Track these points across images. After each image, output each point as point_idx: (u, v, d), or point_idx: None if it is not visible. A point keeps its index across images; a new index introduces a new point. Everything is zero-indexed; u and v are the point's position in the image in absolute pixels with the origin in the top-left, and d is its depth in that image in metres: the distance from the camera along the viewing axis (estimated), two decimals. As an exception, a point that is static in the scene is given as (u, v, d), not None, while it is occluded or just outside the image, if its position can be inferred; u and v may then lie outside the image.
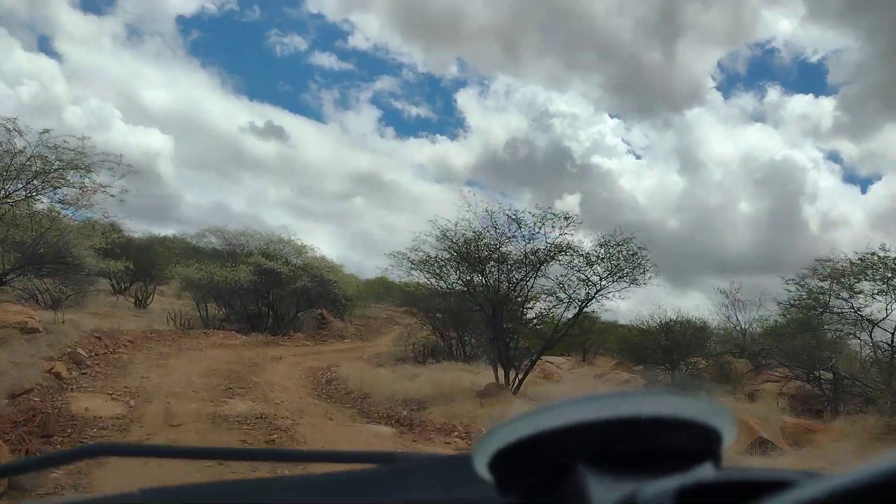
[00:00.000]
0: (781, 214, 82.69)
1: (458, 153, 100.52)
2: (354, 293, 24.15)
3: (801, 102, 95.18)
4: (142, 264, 22.03)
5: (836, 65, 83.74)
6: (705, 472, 0.45)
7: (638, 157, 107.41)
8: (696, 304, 30.16)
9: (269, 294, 20.56)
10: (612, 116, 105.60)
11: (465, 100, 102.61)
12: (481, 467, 0.48)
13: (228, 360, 10.98)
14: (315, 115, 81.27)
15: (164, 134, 72.88)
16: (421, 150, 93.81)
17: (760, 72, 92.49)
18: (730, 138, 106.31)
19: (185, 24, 75.37)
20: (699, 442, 0.46)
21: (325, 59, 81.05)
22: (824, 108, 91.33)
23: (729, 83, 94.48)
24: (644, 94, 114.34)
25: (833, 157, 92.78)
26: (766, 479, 0.38)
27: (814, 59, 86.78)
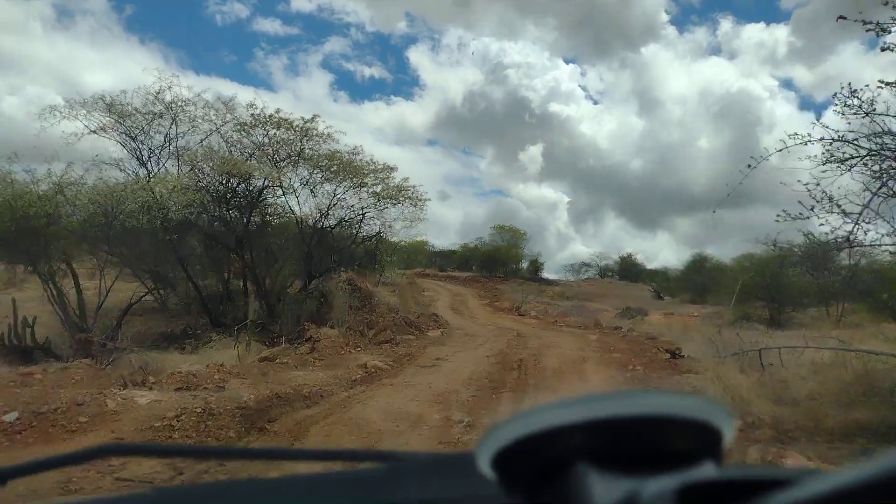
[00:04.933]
0: (740, 147, 79.74)
1: (415, 113, 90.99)
2: (389, 245, 12.95)
3: (755, 31, 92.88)
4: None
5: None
6: (706, 470, 0.44)
7: (595, 103, 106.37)
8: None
9: (243, 244, 9.59)
10: (567, 62, 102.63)
11: (418, 57, 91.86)
12: (484, 465, 0.47)
13: None
14: (265, 83, 72.33)
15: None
16: (378, 113, 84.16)
17: (714, 2, 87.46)
18: (686, 74, 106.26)
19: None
20: (700, 440, 0.45)
21: (269, 25, 70.55)
22: (778, 34, 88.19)
23: (683, 16, 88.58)
24: (599, 34, 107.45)
25: (788, 84, 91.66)
26: (766, 478, 0.38)
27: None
